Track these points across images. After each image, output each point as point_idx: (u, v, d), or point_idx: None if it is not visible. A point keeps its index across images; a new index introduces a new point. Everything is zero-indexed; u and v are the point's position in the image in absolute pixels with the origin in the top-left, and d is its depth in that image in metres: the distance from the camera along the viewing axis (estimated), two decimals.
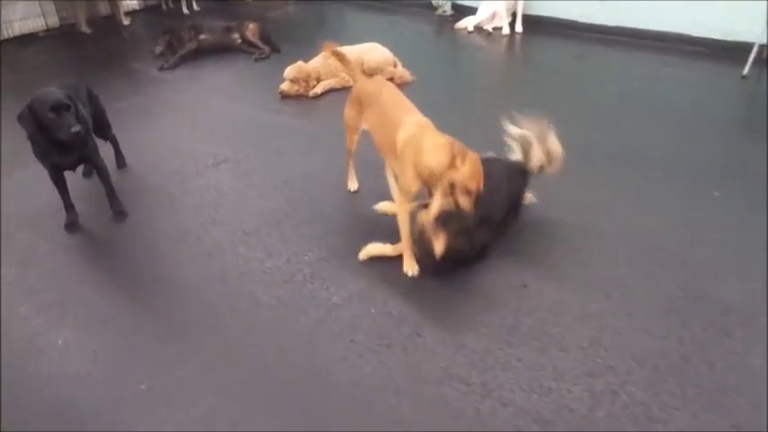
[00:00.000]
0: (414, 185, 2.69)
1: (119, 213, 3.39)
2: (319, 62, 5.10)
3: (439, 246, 2.62)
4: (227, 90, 5.28)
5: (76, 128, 2.98)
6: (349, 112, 3.23)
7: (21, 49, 6.77)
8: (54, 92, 3.02)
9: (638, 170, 3.62)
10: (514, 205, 3.10)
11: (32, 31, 7.16)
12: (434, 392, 2.23)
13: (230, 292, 2.81)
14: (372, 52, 5.21)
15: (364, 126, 3.13)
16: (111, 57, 6.35)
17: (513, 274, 2.78)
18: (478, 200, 2.54)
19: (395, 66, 5.27)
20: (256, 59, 6.01)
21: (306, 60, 5.10)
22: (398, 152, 2.74)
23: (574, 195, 3.34)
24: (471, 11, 6.74)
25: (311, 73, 5.01)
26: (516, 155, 3.14)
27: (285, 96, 4.98)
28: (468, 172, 2.49)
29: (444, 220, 2.59)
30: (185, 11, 7.92)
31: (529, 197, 3.21)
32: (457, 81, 5.53)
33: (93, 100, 3.59)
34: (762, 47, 4.87)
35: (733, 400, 2.12)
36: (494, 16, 6.50)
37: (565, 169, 3.11)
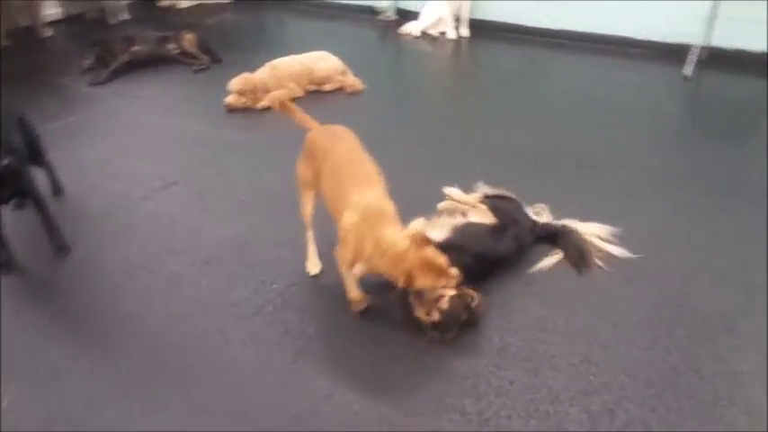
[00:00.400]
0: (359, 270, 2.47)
1: (60, 248, 3.10)
2: (266, 73, 4.90)
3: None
4: (168, 105, 4.99)
5: (4, 161, 2.71)
6: (301, 165, 2.70)
7: None
8: None
9: (598, 176, 3.64)
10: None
11: None
12: (430, 425, 2.12)
13: (196, 331, 2.60)
14: (322, 61, 5.06)
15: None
16: (36, 72, 5.89)
17: (492, 292, 2.70)
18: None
19: (344, 74, 5.14)
20: (195, 71, 5.73)
21: (251, 71, 4.89)
22: (341, 237, 2.41)
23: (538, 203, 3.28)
24: (415, 15, 6.70)
25: (258, 84, 4.80)
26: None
27: (232, 110, 4.75)
28: (430, 282, 2.25)
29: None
30: (112, 21, 7.47)
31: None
32: (407, 89, 5.46)
33: (25, 126, 3.27)
34: (701, 48, 5.03)
35: (727, 410, 2.12)
36: (438, 21, 6.46)
37: (527, 177, 3.06)
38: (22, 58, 6.29)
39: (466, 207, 3.02)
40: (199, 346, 2.52)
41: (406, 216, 3.14)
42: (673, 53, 5.37)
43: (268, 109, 4.78)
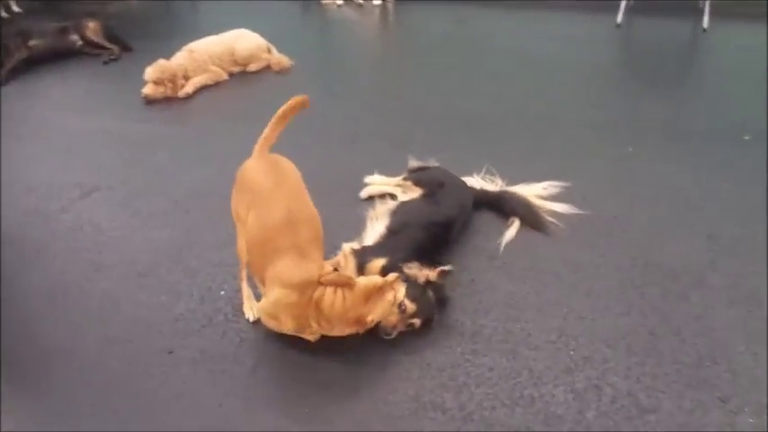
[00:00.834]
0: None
1: None
2: (184, 58, 4.53)
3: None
4: (78, 102, 4.54)
5: None
6: (235, 198, 2.31)
7: None
8: None
9: (546, 133, 3.55)
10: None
11: None
12: (410, 427, 1.96)
13: (140, 354, 2.32)
14: (243, 39, 4.73)
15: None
16: None
17: (457, 272, 2.54)
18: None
19: (269, 52, 4.83)
20: (105, 62, 5.27)
21: (167, 57, 4.50)
22: (273, 311, 2.16)
23: (488, 169, 3.13)
24: None
25: (177, 71, 4.42)
26: None
27: (151, 101, 4.37)
28: (381, 309, 2.06)
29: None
30: (3, 14, 6.77)
31: None
32: (337, 61, 5.19)
33: None
34: None
35: (711, 371, 2.06)
36: None
37: (472, 142, 2.92)
38: None
39: (391, 190, 2.98)
40: (145, 371, 2.25)
41: (343, 198, 2.99)
42: (603, 2, 5.31)
43: (191, 96, 4.43)
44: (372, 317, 2.04)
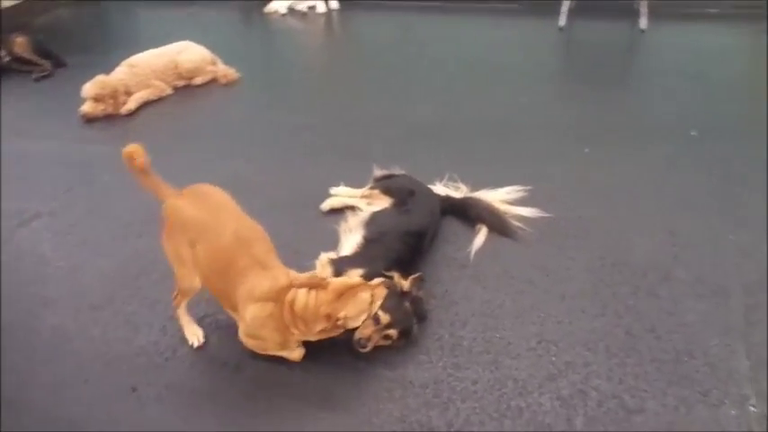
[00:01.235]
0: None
1: None
2: (124, 73, 4.31)
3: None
4: (11, 123, 4.23)
5: None
6: (171, 241, 2.17)
7: None
8: None
9: (503, 138, 3.56)
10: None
11: None
12: None
13: (99, 395, 2.16)
14: (186, 52, 4.55)
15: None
16: None
17: (430, 284, 2.49)
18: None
19: (215, 64, 4.66)
20: (36, 78, 4.96)
21: (106, 72, 4.27)
22: (253, 332, 2.11)
23: (451, 176, 3.08)
24: None
25: (118, 87, 4.20)
26: None
27: (90, 119, 4.13)
28: (355, 308, 2.01)
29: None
30: None
31: None
32: (284, 72, 5.05)
33: None
34: None
35: (689, 366, 2.08)
36: None
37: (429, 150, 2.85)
38: None
39: (354, 202, 2.91)
40: (107, 413, 2.10)
41: (306, 212, 2.94)
42: (544, 5, 5.40)
43: (134, 113, 4.22)
44: (345, 313, 1.97)
